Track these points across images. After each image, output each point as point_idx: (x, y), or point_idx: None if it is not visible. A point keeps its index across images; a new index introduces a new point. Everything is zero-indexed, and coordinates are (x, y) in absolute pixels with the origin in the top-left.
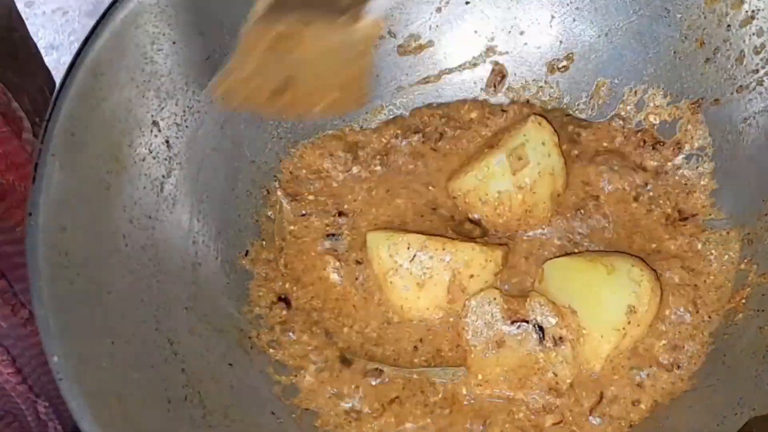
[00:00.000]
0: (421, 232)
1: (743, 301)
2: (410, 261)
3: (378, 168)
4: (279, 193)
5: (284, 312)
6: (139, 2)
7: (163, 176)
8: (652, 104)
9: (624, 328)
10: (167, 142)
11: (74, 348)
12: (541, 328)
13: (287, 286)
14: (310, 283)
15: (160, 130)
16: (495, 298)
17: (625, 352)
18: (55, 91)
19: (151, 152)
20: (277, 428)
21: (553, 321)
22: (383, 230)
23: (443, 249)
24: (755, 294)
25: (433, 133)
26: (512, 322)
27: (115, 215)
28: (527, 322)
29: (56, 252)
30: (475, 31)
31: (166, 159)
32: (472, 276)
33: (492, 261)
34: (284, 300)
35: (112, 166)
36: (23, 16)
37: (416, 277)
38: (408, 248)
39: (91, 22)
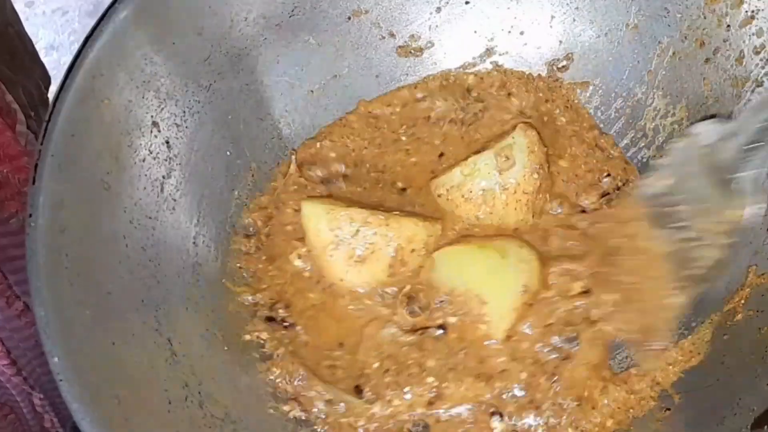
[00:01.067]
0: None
1: (742, 301)
2: (353, 236)
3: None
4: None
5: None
6: (138, 3)
7: (164, 177)
8: (651, 104)
9: (519, 306)
10: (167, 142)
11: (74, 349)
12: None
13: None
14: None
15: (160, 131)
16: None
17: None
18: (55, 92)
19: (151, 153)
20: (276, 429)
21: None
22: (320, 201)
23: (387, 225)
24: (754, 294)
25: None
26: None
27: (116, 216)
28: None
29: (56, 253)
30: (475, 31)
31: (166, 159)
32: (413, 250)
33: (433, 235)
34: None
35: (112, 167)
36: (23, 16)
37: (358, 251)
38: (350, 223)
39: (91, 22)
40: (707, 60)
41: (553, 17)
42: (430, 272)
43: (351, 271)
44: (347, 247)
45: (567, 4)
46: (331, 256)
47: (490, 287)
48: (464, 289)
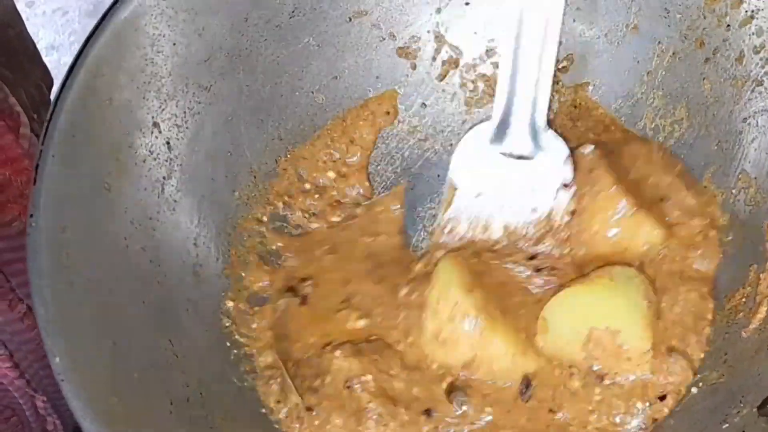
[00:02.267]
0: None
1: (744, 299)
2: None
3: None
4: None
5: None
6: (139, 3)
7: (164, 177)
8: (651, 104)
9: (652, 321)
10: (168, 143)
11: (76, 349)
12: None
13: None
14: None
15: (160, 132)
16: None
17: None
18: (56, 92)
19: (151, 153)
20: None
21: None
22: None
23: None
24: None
25: None
26: None
27: (116, 216)
28: None
29: (57, 253)
30: (475, 32)
31: (166, 160)
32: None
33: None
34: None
35: (113, 168)
36: (24, 16)
37: (444, 333)
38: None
39: (92, 23)
40: (707, 60)
41: None
42: (545, 336)
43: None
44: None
45: (567, 4)
46: (425, 317)
47: (616, 314)
48: (589, 331)
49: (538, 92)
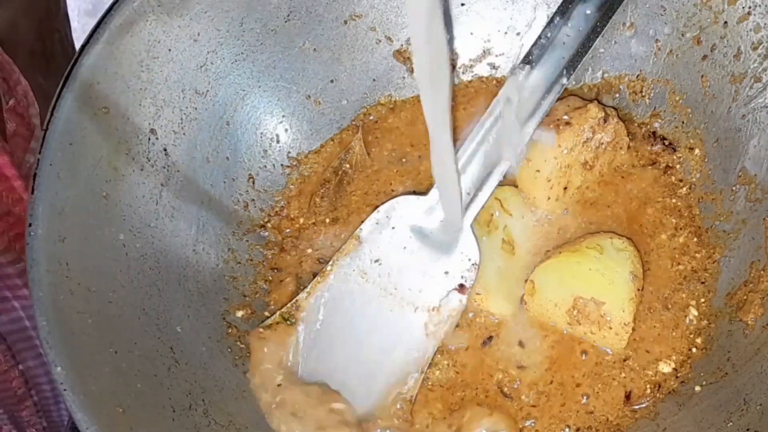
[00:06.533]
0: None
1: (745, 297)
2: None
3: None
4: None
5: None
6: (134, 10)
7: (162, 184)
8: (649, 102)
9: (635, 295)
10: (165, 149)
11: (77, 358)
12: None
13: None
14: None
15: (157, 138)
16: None
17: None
18: (53, 100)
19: (149, 160)
20: None
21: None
22: None
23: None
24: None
25: None
26: None
27: (115, 224)
28: None
29: (56, 262)
30: (471, 33)
31: (164, 167)
32: None
33: None
34: None
35: (111, 175)
36: None
37: None
38: None
39: (91, 22)
40: (705, 57)
41: (548, 17)
42: (532, 298)
43: None
44: None
45: None
46: None
47: (601, 286)
48: (574, 299)
49: (477, 195)
